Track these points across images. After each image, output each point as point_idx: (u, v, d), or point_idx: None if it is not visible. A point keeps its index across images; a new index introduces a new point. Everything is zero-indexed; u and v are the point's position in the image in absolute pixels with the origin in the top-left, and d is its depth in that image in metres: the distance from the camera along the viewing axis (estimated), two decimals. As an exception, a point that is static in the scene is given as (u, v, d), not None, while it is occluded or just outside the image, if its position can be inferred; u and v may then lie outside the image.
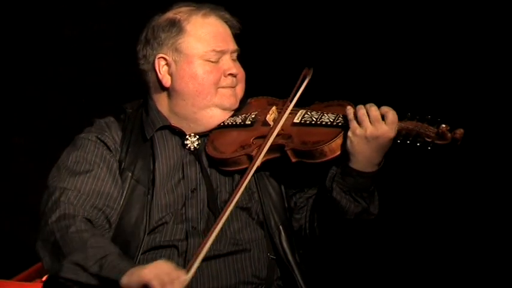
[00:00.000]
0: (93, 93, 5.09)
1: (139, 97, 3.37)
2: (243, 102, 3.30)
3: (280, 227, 3.17)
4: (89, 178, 3.12)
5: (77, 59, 5.10)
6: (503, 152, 4.44)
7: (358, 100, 3.15)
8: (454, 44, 4.51)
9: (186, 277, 2.84)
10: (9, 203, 5.02)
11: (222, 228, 2.99)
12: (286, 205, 3.24)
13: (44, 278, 4.13)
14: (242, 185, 3.05)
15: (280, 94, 3.29)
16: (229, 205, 3.01)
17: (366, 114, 3.03)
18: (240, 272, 3.12)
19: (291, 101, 3.20)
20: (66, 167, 3.16)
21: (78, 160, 3.16)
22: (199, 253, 2.93)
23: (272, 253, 3.17)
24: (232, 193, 3.08)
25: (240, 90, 3.27)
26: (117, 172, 3.16)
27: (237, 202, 3.03)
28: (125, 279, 2.85)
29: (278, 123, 3.13)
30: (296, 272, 3.14)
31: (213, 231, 2.95)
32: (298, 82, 3.22)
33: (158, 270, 2.82)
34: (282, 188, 3.24)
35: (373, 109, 3.04)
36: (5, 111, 5.09)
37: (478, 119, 4.39)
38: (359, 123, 3.03)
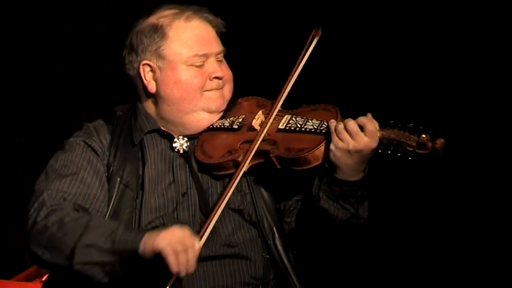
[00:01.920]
0: (93, 93, 5.09)
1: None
2: (233, 102, 3.28)
3: (274, 228, 3.17)
4: (76, 181, 3.11)
5: (77, 59, 5.10)
6: (490, 155, 4.44)
7: (345, 101, 3.15)
8: (437, 51, 4.51)
9: (199, 245, 2.84)
10: (9, 203, 5.02)
11: (211, 231, 2.99)
12: (278, 206, 3.24)
13: (44, 278, 4.13)
14: (229, 190, 3.04)
15: (270, 93, 3.28)
16: (217, 210, 3.01)
17: (344, 129, 3.02)
18: (236, 273, 3.11)
19: (300, 61, 3.17)
20: (53, 171, 3.15)
21: (65, 163, 3.15)
22: (209, 223, 2.95)
23: (267, 253, 3.17)
24: (221, 197, 3.07)
25: (227, 91, 3.25)
26: (104, 176, 3.15)
27: (224, 207, 3.02)
28: (140, 248, 2.84)
29: (263, 128, 3.12)
30: (290, 272, 3.14)
31: (205, 230, 2.96)
32: (307, 43, 3.19)
33: (172, 237, 2.81)
34: (273, 189, 3.23)
35: (351, 123, 3.02)
36: (5, 112, 5.09)
37: (462, 125, 4.40)
38: (339, 137, 3.02)
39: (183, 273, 2.82)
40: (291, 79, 3.17)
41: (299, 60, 3.18)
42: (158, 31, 3.19)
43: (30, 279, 4.23)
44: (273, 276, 3.17)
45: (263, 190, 3.20)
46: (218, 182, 3.18)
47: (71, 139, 3.22)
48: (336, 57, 4.54)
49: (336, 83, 4.54)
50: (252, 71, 4.32)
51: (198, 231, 3.03)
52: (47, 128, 5.08)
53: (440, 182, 4.53)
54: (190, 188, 3.16)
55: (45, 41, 5.06)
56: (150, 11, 3.28)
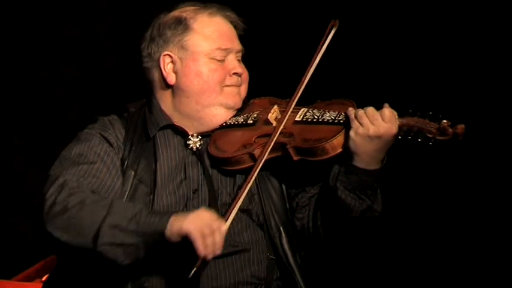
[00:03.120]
0: (93, 93, 5.09)
1: (140, 97, 3.37)
2: (246, 102, 3.30)
3: (281, 228, 3.17)
4: (92, 169, 3.10)
5: (78, 59, 5.10)
6: (504, 148, 4.44)
7: (360, 98, 3.16)
8: (455, 41, 4.52)
9: (225, 227, 2.88)
10: (10, 203, 5.02)
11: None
12: (288, 206, 3.23)
13: (44, 278, 4.13)
14: (248, 183, 3.05)
15: (282, 95, 3.29)
16: (241, 194, 3.02)
17: (365, 114, 3.04)
18: (239, 272, 3.11)
19: (319, 51, 3.17)
20: (68, 159, 3.14)
21: (81, 153, 3.14)
22: (235, 205, 2.97)
23: (272, 253, 3.17)
24: (234, 194, 3.09)
25: (243, 90, 3.27)
26: (120, 168, 3.15)
27: (244, 199, 3.03)
28: (168, 230, 2.86)
29: (283, 120, 3.13)
30: (297, 273, 3.14)
31: (230, 213, 2.97)
32: (326, 33, 3.20)
33: (199, 220, 2.84)
34: (283, 188, 3.24)
35: (371, 108, 3.05)
36: (5, 112, 5.09)
37: (478, 115, 4.39)
38: (360, 123, 3.03)
39: (209, 256, 2.85)
40: (309, 71, 3.18)
41: (317, 50, 3.19)
42: (182, 23, 3.21)
43: (30, 279, 4.23)
44: (276, 277, 3.17)
45: (271, 190, 3.21)
46: (229, 181, 3.18)
47: (86, 130, 3.21)
48: (350, 53, 4.55)
49: (350, 80, 4.54)
50: (264, 73, 4.32)
51: None
52: (47, 127, 5.08)
53: (449, 178, 4.53)
54: (201, 185, 3.17)
55: (46, 41, 5.06)
56: (170, 7, 3.30)
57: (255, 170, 3.06)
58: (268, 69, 4.50)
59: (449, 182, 4.54)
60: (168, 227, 2.86)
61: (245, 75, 3.26)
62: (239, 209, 3.12)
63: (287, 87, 3.25)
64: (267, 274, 3.15)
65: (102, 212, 2.93)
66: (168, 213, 2.91)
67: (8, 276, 4.22)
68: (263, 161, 3.08)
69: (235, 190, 3.16)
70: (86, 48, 5.10)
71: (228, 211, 2.99)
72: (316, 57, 3.17)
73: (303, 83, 3.17)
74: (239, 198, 3.01)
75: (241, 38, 3.30)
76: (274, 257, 3.16)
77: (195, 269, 2.87)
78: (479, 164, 4.47)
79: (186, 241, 2.85)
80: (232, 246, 3.11)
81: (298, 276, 3.14)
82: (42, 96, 5.10)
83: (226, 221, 2.93)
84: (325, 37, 3.19)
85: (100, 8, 5.10)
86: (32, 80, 5.09)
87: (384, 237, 4.49)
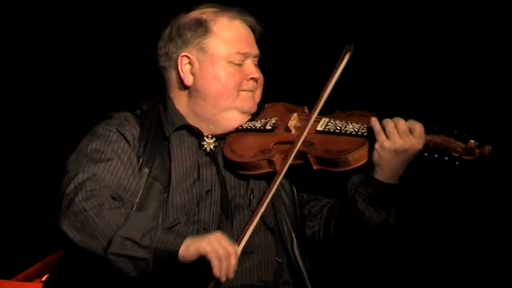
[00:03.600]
0: (93, 93, 5.09)
1: (140, 97, 3.36)
2: (260, 107, 3.28)
3: (293, 235, 3.17)
4: (110, 167, 3.09)
5: (78, 59, 5.10)
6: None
7: (383, 112, 3.14)
8: (481, 60, 4.50)
9: (239, 250, 2.90)
10: (10, 203, 5.02)
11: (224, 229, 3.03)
12: (299, 212, 3.23)
13: (44, 278, 4.13)
14: (272, 190, 3.03)
15: (296, 101, 3.28)
16: (260, 207, 3.02)
17: (395, 127, 3.02)
18: (246, 274, 3.11)
19: (334, 74, 3.15)
20: (85, 155, 3.11)
21: (98, 149, 3.12)
22: (249, 227, 2.97)
23: (281, 257, 3.17)
24: (244, 200, 3.10)
25: (258, 95, 3.25)
26: (136, 167, 3.13)
27: (266, 206, 3.03)
28: (182, 250, 2.86)
29: (305, 128, 3.11)
30: (306, 278, 3.14)
31: (243, 236, 2.98)
32: (340, 59, 3.17)
33: (216, 243, 2.85)
34: (295, 195, 3.22)
35: (401, 122, 3.03)
36: (5, 112, 5.09)
37: (504, 135, 4.37)
38: (388, 136, 3.02)
39: (223, 279, 2.86)
40: (326, 89, 3.14)
41: (332, 74, 3.16)
42: (202, 25, 3.19)
43: (30, 279, 4.23)
44: (283, 281, 3.16)
45: (284, 196, 3.20)
46: (242, 184, 3.17)
47: (102, 125, 3.19)
48: (371, 65, 4.53)
49: (370, 93, 4.52)
50: (278, 79, 4.31)
51: (216, 229, 3.06)
52: (47, 127, 5.08)
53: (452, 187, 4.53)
54: (214, 186, 3.16)
55: (46, 41, 5.06)
56: (189, 8, 3.28)
57: (277, 179, 3.04)
58: (282, 73, 4.49)
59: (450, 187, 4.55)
60: (183, 248, 2.87)
61: (261, 80, 3.25)
62: (252, 213, 3.11)
63: (301, 92, 3.24)
64: (274, 278, 3.14)
65: (119, 220, 2.93)
66: (182, 235, 2.92)
67: (8, 276, 4.22)
68: (285, 169, 3.06)
69: (248, 193, 3.16)
70: (86, 48, 5.10)
71: (242, 233, 2.99)
72: (332, 79, 3.14)
73: (324, 93, 3.15)
74: (257, 214, 3.01)
75: (258, 42, 3.29)
76: (282, 261, 3.16)
77: None
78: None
79: (200, 262, 2.87)
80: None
81: (308, 282, 3.14)
82: (42, 96, 5.10)
83: (239, 244, 2.94)
84: (339, 62, 3.17)
85: (100, 8, 5.11)
86: (32, 79, 5.10)
87: (393, 249, 4.50)
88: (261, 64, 3.28)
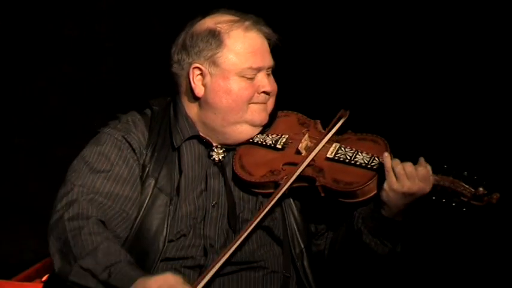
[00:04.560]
0: (93, 93, 5.09)
1: (141, 97, 3.35)
2: (273, 115, 3.26)
3: (303, 250, 3.16)
4: (109, 179, 3.08)
5: (78, 59, 5.10)
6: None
7: (393, 138, 3.14)
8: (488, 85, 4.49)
9: None
10: (10, 203, 5.02)
11: (235, 250, 2.99)
12: (312, 229, 3.23)
13: (44, 278, 4.13)
14: (263, 211, 3.03)
15: (309, 107, 3.26)
16: (246, 229, 3.00)
17: (403, 170, 3.01)
18: (252, 287, 3.10)
19: (324, 135, 3.15)
20: (87, 163, 3.10)
21: (99, 157, 3.11)
22: (207, 273, 2.93)
23: (288, 271, 3.15)
24: (252, 215, 3.07)
25: (271, 104, 3.22)
26: (138, 177, 3.11)
27: (254, 227, 3.02)
28: None
29: (309, 155, 3.10)
30: None
31: (226, 251, 2.95)
32: (333, 121, 3.19)
33: (163, 282, 2.81)
34: (306, 211, 3.21)
35: (409, 166, 3.02)
36: (5, 111, 5.09)
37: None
38: (397, 178, 3.01)
39: None
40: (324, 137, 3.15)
41: (324, 134, 3.17)
42: (216, 37, 3.15)
43: (30, 279, 4.23)
44: None
45: (295, 210, 3.19)
46: (251, 197, 3.16)
47: (109, 130, 3.17)
48: (382, 88, 4.52)
49: (381, 113, 4.51)
50: (293, 84, 4.29)
51: (222, 245, 3.05)
52: (47, 127, 5.08)
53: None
54: (221, 198, 3.14)
55: (46, 41, 5.06)
56: (206, 12, 3.24)
57: (273, 200, 3.04)
58: (296, 80, 4.48)
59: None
60: (133, 286, 2.84)
61: (274, 89, 3.22)
62: (260, 226, 3.09)
63: (314, 100, 3.21)
64: None
65: (86, 249, 2.94)
66: (140, 272, 2.89)
67: (8, 276, 4.22)
68: (284, 190, 3.05)
69: (257, 207, 3.14)
70: (86, 48, 5.10)
71: (202, 276, 2.94)
72: (322, 140, 3.14)
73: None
74: (239, 238, 2.99)
75: (272, 49, 3.26)
76: (289, 275, 3.15)
77: None
78: None
79: None
80: (247, 262, 3.09)
81: None
82: (42, 96, 5.10)
83: (196, 286, 2.90)
84: (332, 124, 3.18)
85: (100, 8, 5.10)
86: (32, 80, 5.09)
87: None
88: (275, 72, 3.26)
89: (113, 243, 2.98)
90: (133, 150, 3.13)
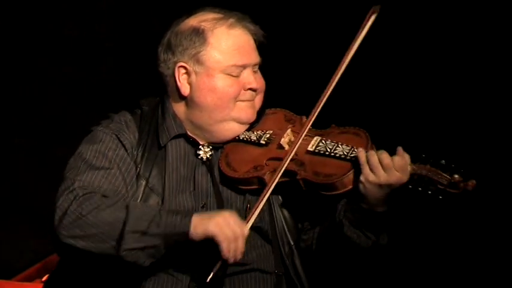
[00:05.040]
0: (93, 93, 5.09)
1: (140, 98, 3.35)
2: (261, 113, 3.26)
3: (293, 246, 3.16)
4: (107, 176, 3.07)
5: (78, 59, 5.10)
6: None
7: (373, 127, 3.13)
8: (471, 79, 4.50)
9: (246, 232, 2.93)
10: (10, 203, 5.02)
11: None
12: (300, 226, 3.23)
13: (44, 278, 4.14)
14: (256, 210, 3.02)
15: (298, 104, 3.26)
16: (261, 200, 3.02)
17: (378, 161, 3.00)
18: None
19: (309, 121, 3.14)
20: (84, 160, 3.09)
21: (97, 155, 3.10)
22: (255, 209, 2.99)
23: (280, 269, 3.16)
24: (240, 213, 3.05)
25: (258, 101, 3.22)
26: (134, 177, 3.11)
27: (252, 226, 3.01)
28: (191, 232, 2.88)
29: (292, 150, 3.09)
30: None
31: (251, 216, 3.00)
32: (365, 20, 3.13)
33: (223, 224, 2.88)
34: (295, 207, 3.21)
35: (385, 156, 3.00)
36: (6, 111, 5.09)
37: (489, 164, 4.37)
38: (372, 170, 3.00)
39: (231, 260, 2.89)
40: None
41: (355, 38, 3.12)
42: (199, 35, 3.15)
43: (30, 279, 4.23)
44: None
45: (284, 208, 3.19)
46: (238, 195, 3.16)
47: (102, 128, 3.17)
48: (366, 79, 4.52)
49: (365, 106, 4.51)
50: (282, 81, 4.29)
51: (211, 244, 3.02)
52: (47, 127, 5.08)
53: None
54: (210, 198, 3.14)
55: (46, 41, 5.06)
56: (191, 11, 3.24)
57: (263, 198, 3.04)
58: (285, 77, 4.48)
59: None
60: (192, 228, 2.88)
61: (261, 86, 3.21)
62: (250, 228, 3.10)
63: (304, 96, 3.21)
64: None
65: (121, 215, 2.92)
66: (189, 213, 2.92)
67: (8, 276, 4.22)
68: (271, 188, 3.05)
69: (244, 206, 3.14)
70: (86, 48, 5.10)
71: (249, 215, 3.00)
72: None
73: (316, 109, 3.14)
74: (251, 216, 3.01)
75: (260, 45, 3.25)
76: (281, 274, 3.15)
77: (213, 272, 2.92)
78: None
79: (207, 242, 2.89)
80: (241, 265, 3.08)
81: None
82: (42, 96, 5.10)
83: (247, 224, 2.96)
84: (363, 26, 3.12)
85: (100, 8, 5.10)
86: (32, 80, 5.09)
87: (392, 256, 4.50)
88: (263, 68, 3.26)
89: (135, 202, 3.01)
90: (126, 150, 3.13)
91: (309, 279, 3.15)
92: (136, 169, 3.11)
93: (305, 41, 4.70)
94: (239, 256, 2.90)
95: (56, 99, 5.10)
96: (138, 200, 3.08)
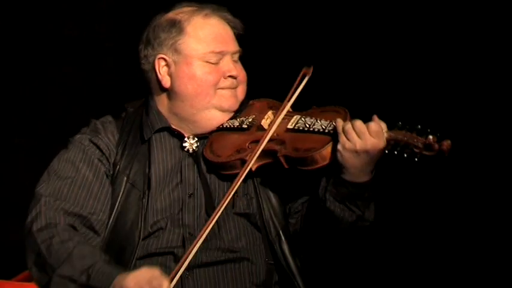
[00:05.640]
0: (93, 93, 5.09)
1: (141, 97, 3.36)
2: (245, 103, 3.28)
3: (281, 232, 3.16)
4: (75, 184, 3.11)
5: (78, 59, 5.10)
6: (496, 156, 4.45)
7: (354, 106, 3.15)
8: (445, 51, 4.52)
9: (168, 285, 2.85)
10: (10, 203, 5.02)
11: (208, 234, 2.99)
12: (285, 210, 3.23)
13: (44, 278, 4.13)
14: (232, 190, 3.04)
15: (283, 96, 3.28)
16: (217, 211, 3.01)
17: (352, 128, 3.01)
18: (238, 278, 3.10)
19: (288, 101, 3.18)
20: (54, 171, 3.16)
21: (66, 165, 3.16)
22: (184, 261, 2.94)
23: (270, 258, 3.16)
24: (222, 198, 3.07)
25: (241, 91, 3.25)
26: (105, 177, 3.14)
27: (225, 208, 3.03)
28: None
29: (271, 128, 3.12)
30: (297, 277, 3.13)
31: (199, 237, 2.96)
32: (297, 81, 3.20)
33: (140, 277, 2.84)
34: (281, 193, 3.22)
35: (359, 123, 3.02)
36: (6, 112, 5.09)
37: (470, 126, 4.39)
38: (347, 137, 3.01)
39: None
40: (285, 106, 3.17)
41: (288, 96, 3.19)
42: (176, 25, 3.19)
43: (30, 279, 4.22)
44: (275, 281, 3.16)
45: (270, 193, 3.19)
46: (226, 184, 3.16)
47: (77, 136, 3.22)
48: (345, 59, 4.54)
49: (345, 86, 4.53)
50: (266, 73, 4.31)
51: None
52: (47, 127, 5.08)
53: (445, 183, 4.53)
54: (197, 189, 3.15)
55: (46, 41, 5.06)
56: (167, 8, 3.28)
57: (240, 177, 3.06)
58: (268, 69, 4.49)
59: (448, 184, 4.55)
60: (112, 285, 2.89)
61: (242, 76, 3.24)
62: (237, 214, 3.11)
63: (287, 87, 3.24)
64: (265, 279, 3.14)
65: (62, 257, 2.98)
66: (113, 273, 2.92)
67: (8, 276, 4.22)
68: (250, 166, 3.07)
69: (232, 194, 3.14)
70: (86, 48, 5.10)
71: (178, 267, 2.95)
72: (282, 111, 3.16)
73: (294, 88, 3.16)
74: (211, 221, 3.00)
75: (241, 38, 3.28)
76: (272, 262, 3.15)
77: None
78: (480, 168, 4.48)
79: None
80: (230, 252, 3.10)
81: (299, 281, 3.13)
82: (42, 96, 5.10)
83: (173, 278, 2.91)
84: (296, 84, 3.19)
85: (100, 8, 5.11)
86: (32, 80, 5.09)
87: (382, 240, 4.49)
88: (248, 60, 3.27)
89: (85, 246, 3.02)
90: (101, 150, 3.17)
91: (298, 268, 3.15)
92: (115, 167, 3.14)
93: (285, 33, 4.72)
94: None
95: (56, 99, 5.10)
96: (120, 197, 3.12)
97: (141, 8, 4.97)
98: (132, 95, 3.41)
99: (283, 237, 3.16)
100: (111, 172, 3.15)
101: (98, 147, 3.17)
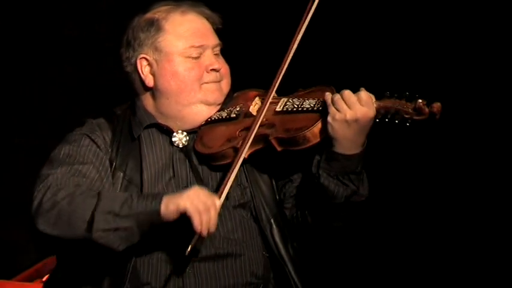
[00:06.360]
0: (93, 93, 5.10)
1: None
2: (230, 96, 3.29)
3: (272, 220, 3.16)
4: (80, 172, 3.09)
5: (78, 59, 5.11)
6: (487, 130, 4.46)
7: (340, 83, 3.14)
8: (431, 22, 4.53)
9: (219, 203, 2.92)
10: (10, 203, 5.03)
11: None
12: (277, 197, 3.24)
13: (44, 278, 4.14)
14: (230, 177, 3.04)
15: (266, 86, 3.28)
16: (232, 170, 3.03)
17: (341, 98, 3.02)
18: (239, 272, 3.11)
19: (277, 80, 3.18)
20: (57, 160, 3.13)
21: (70, 154, 3.13)
22: (228, 180, 2.99)
23: (266, 250, 3.17)
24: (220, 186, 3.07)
25: (225, 85, 3.25)
26: (109, 170, 3.15)
27: (227, 193, 3.04)
28: (162, 210, 2.88)
29: (262, 112, 3.13)
30: (289, 266, 3.14)
31: (223, 188, 2.99)
32: (309, 5, 3.16)
33: (194, 197, 2.88)
34: (272, 180, 3.23)
35: (347, 92, 3.03)
36: (6, 112, 5.09)
37: (459, 93, 4.41)
38: (336, 108, 3.02)
39: (205, 233, 2.88)
40: (286, 60, 3.16)
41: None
42: (154, 24, 3.19)
43: (30, 279, 4.23)
44: (273, 275, 3.17)
45: (261, 182, 3.20)
46: (219, 175, 3.16)
47: (74, 132, 3.22)
48: (328, 38, 4.55)
49: (329, 66, 4.54)
50: (248, 66, 4.32)
51: None
52: (47, 127, 5.09)
53: (440, 167, 4.54)
54: (190, 183, 3.16)
55: (46, 42, 5.07)
56: (145, 9, 3.29)
57: (236, 165, 3.06)
58: (250, 60, 4.49)
59: (440, 170, 4.56)
60: (163, 206, 2.88)
61: (225, 69, 3.24)
62: (232, 205, 3.12)
63: (270, 77, 3.24)
64: (264, 272, 3.15)
65: (93, 200, 2.93)
66: (159, 194, 2.93)
67: (8, 276, 4.22)
68: (243, 153, 3.08)
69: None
70: (86, 48, 5.11)
71: (222, 186, 3.00)
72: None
73: (280, 72, 3.17)
74: (224, 187, 3.02)
75: (221, 32, 3.28)
76: (268, 255, 3.16)
77: (191, 245, 2.91)
78: (473, 139, 4.49)
79: (180, 220, 2.88)
80: (228, 244, 3.11)
81: (291, 269, 3.14)
82: (42, 96, 5.11)
83: (220, 196, 2.96)
84: (308, 9, 3.16)
85: (100, 8, 5.11)
86: (32, 80, 5.10)
87: (376, 231, 4.50)
88: (230, 53, 3.27)
89: (108, 190, 3.04)
90: (99, 147, 3.17)
91: (290, 256, 3.15)
92: (111, 164, 3.15)
93: (266, 25, 4.72)
94: (213, 228, 2.89)
95: (56, 99, 5.11)
96: (118, 192, 3.11)
97: (141, 8, 4.97)
98: (132, 94, 3.41)
99: (274, 225, 3.16)
100: (109, 169, 3.16)
101: (96, 144, 3.18)
